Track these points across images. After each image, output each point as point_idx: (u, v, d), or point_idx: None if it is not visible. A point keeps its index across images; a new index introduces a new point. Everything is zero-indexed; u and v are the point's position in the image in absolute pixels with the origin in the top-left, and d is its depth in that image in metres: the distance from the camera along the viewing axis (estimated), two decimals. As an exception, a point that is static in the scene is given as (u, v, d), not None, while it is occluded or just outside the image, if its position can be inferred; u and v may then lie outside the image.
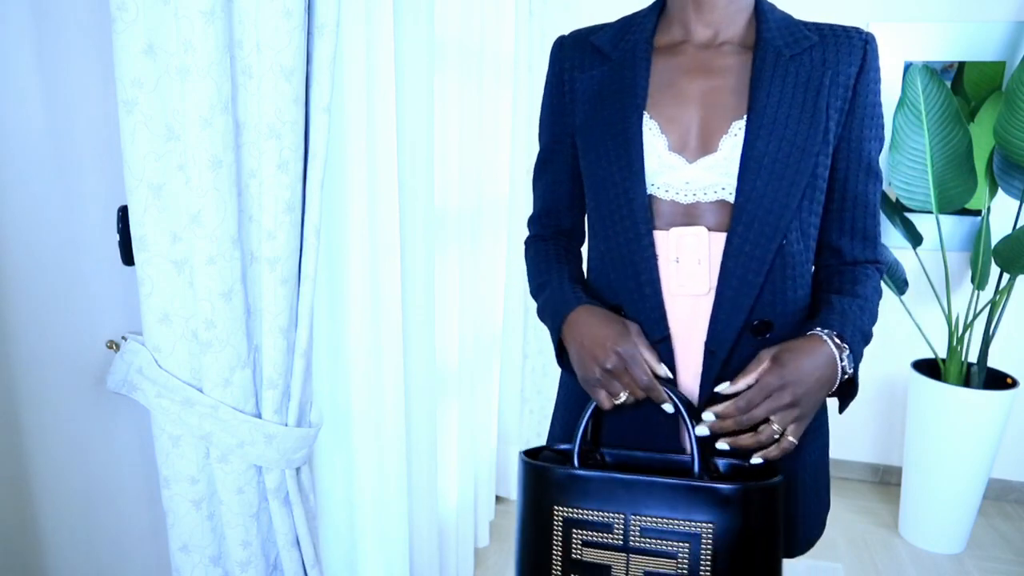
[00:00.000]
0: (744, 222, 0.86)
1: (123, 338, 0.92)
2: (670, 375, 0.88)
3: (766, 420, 0.82)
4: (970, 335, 2.35)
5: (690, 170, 0.89)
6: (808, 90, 0.87)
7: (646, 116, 0.90)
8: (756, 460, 0.84)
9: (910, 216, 2.60)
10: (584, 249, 1.08)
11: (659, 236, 0.90)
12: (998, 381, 2.37)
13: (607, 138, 0.92)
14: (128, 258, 0.91)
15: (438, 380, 1.87)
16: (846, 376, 0.85)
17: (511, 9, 2.07)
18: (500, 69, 2.07)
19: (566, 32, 1.16)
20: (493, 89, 2.04)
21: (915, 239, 2.42)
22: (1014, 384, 2.29)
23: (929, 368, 2.46)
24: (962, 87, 2.49)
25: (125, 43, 0.80)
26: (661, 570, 0.83)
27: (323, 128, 0.96)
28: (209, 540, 0.97)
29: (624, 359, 0.85)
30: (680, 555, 0.82)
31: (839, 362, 0.83)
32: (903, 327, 2.73)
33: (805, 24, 0.92)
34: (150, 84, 0.82)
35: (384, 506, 1.43)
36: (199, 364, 0.92)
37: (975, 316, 2.30)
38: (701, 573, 0.81)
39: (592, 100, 0.95)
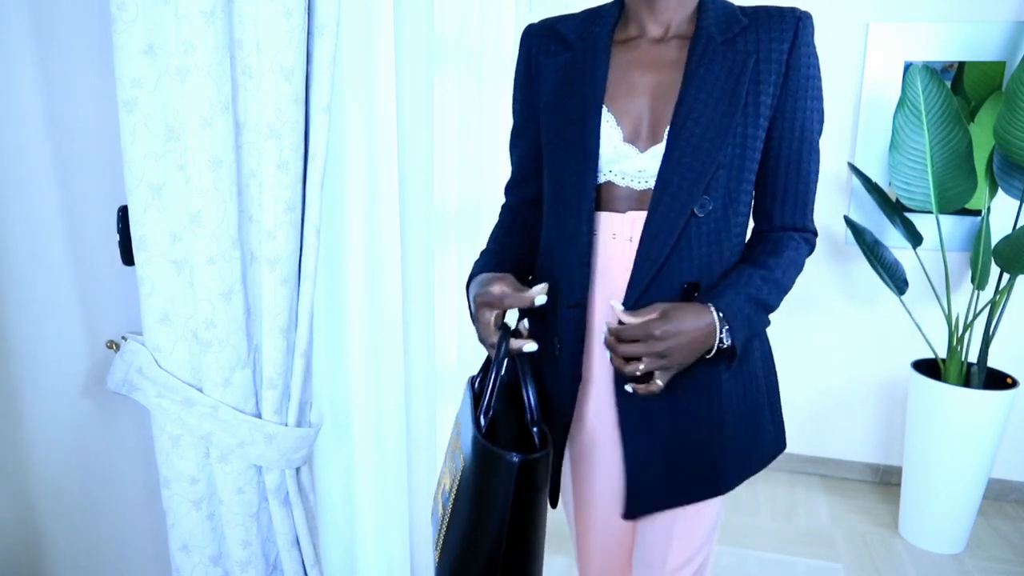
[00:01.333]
0: (659, 190, 0.94)
1: (123, 338, 0.92)
2: (521, 329, 1.00)
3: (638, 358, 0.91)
4: (970, 335, 2.35)
5: (641, 159, 0.96)
6: (732, 72, 0.93)
7: (604, 109, 0.98)
8: (628, 388, 0.94)
9: (910, 216, 2.60)
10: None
11: (617, 218, 0.98)
12: (998, 381, 2.37)
13: (567, 126, 0.99)
14: (128, 258, 0.91)
15: (438, 380, 1.87)
16: (723, 346, 0.93)
17: (511, 9, 2.07)
18: (500, 69, 2.07)
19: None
20: (493, 89, 2.04)
21: (915, 239, 2.42)
22: (1014, 384, 2.29)
23: (929, 368, 2.46)
24: (962, 87, 2.49)
25: (125, 43, 0.80)
26: (447, 486, 1.02)
27: (323, 128, 0.96)
28: (209, 540, 0.97)
29: (480, 323, 0.98)
30: (452, 480, 1.00)
31: (717, 332, 0.92)
32: (903, 327, 2.73)
33: (742, 9, 0.98)
34: (150, 84, 0.82)
35: (384, 506, 1.43)
36: (199, 364, 0.92)
37: (975, 316, 2.30)
38: (450, 502, 0.99)
39: (556, 85, 1.02)
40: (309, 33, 0.93)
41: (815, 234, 1.05)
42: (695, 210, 0.94)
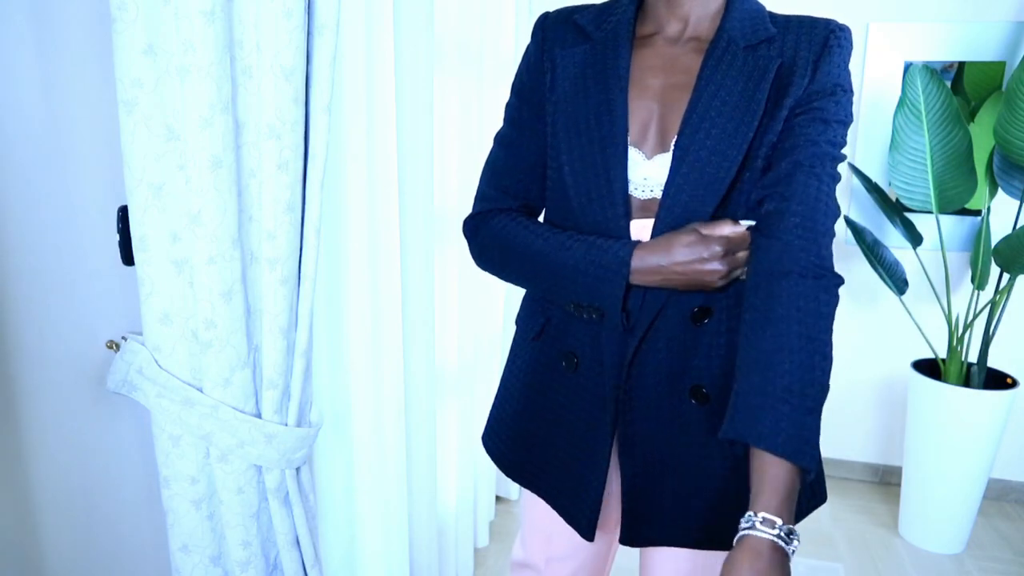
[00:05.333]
0: (667, 207, 0.88)
1: (123, 338, 0.92)
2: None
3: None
4: (970, 335, 2.35)
5: (648, 166, 0.90)
6: (751, 79, 0.86)
7: None
8: None
9: (910, 216, 2.60)
10: None
11: None
12: (998, 381, 2.37)
13: (590, 118, 0.92)
14: (128, 258, 0.91)
15: (438, 380, 1.87)
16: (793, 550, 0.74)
17: (511, 9, 2.07)
18: (500, 69, 2.07)
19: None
20: (493, 89, 2.04)
21: (915, 239, 2.42)
22: (1014, 384, 2.29)
23: (929, 368, 2.46)
24: (962, 87, 2.49)
25: (125, 43, 0.80)
26: None
27: (323, 128, 0.96)
28: (209, 540, 0.97)
29: (729, 240, 0.85)
30: None
31: (786, 549, 0.72)
32: (903, 327, 2.73)
33: (774, 17, 0.91)
34: (150, 84, 0.82)
35: (384, 506, 1.43)
36: (199, 364, 0.92)
37: (975, 316, 2.30)
38: None
39: (575, 78, 0.94)
40: (309, 33, 0.93)
41: (829, 271, 0.83)
42: None
